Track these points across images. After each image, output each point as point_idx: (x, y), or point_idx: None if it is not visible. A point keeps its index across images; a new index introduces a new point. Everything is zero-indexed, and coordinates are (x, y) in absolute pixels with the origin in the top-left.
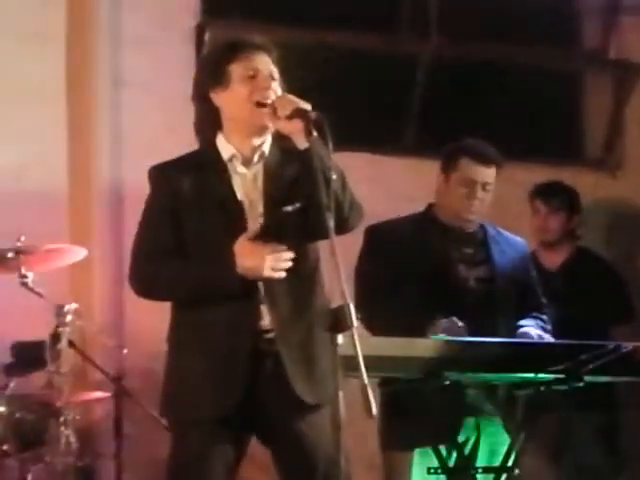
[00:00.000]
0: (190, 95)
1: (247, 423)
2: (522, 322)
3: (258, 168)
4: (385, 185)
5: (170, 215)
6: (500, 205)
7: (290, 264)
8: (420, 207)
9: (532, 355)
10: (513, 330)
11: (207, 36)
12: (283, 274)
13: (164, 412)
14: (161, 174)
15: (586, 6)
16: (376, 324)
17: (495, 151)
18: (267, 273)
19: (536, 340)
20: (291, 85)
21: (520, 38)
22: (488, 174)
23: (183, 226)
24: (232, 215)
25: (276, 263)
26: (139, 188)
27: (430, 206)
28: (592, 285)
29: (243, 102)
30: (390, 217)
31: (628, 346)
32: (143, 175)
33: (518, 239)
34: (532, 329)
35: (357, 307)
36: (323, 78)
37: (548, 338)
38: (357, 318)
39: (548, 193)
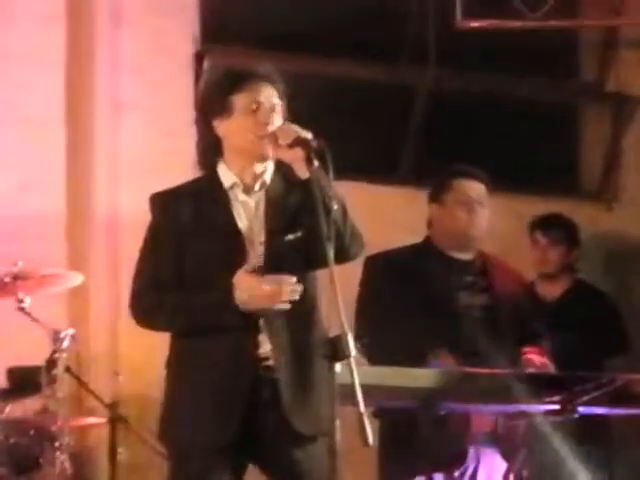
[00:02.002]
0: (188, 121)
1: (244, 450)
2: (526, 349)
3: (260, 196)
4: (382, 215)
5: (171, 243)
6: (497, 236)
7: (294, 297)
8: (417, 237)
9: (528, 385)
10: (514, 358)
11: (206, 63)
12: (287, 305)
13: (162, 438)
14: (163, 202)
15: (584, 39)
16: (378, 354)
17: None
18: (267, 305)
19: (535, 370)
20: (289, 113)
21: (518, 70)
22: (481, 190)
23: (184, 254)
24: (232, 243)
25: (277, 296)
26: (136, 214)
27: (428, 237)
28: (589, 317)
29: (244, 134)
30: (388, 247)
31: (623, 378)
32: (140, 201)
33: (515, 269)
34: (536, 356)
35: (358, 337)
36: (321, 107)
37: (550, 366)
38: (355, 347)
39: (548, 225)
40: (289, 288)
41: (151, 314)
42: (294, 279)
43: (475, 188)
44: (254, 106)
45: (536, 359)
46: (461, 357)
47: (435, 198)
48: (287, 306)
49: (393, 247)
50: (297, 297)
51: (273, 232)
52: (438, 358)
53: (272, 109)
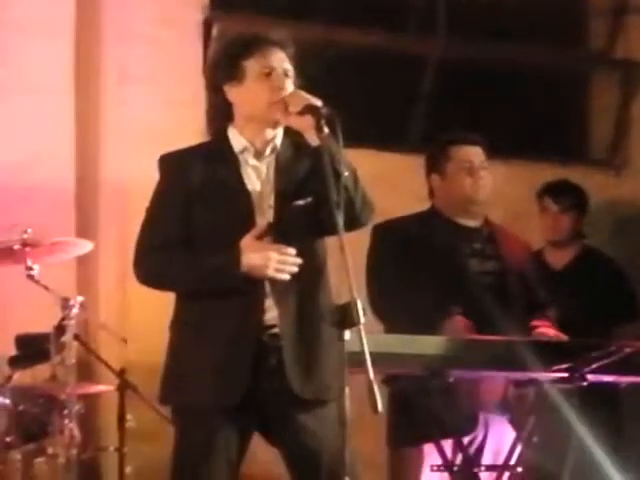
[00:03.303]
0: (196, 90)
1: (249, 417)
2: (536, 322)
3: (270, 160)
4: (391, 182)
5: (179, 204)
6: (505, 204)
7: (296, 269)
8: (427, 205)
9: (537, 353)
10: (523, 324)
11: (214, 31)
12: (287, 277)
13: (164, 398)
14: (171, 163)
15: (593, 6)
16: (392, 322)
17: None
18: (271, 273)
19: (542, 338)
20: (299, 80)
21: (526, 38)
22: (479, 153)
23: (191, 216)
24: (240, 207)
25: (281, 265)
26: (144, 182)
27: (433, 205)
28: (598, 284)
29: (257, 99)
30: (396, 215)
31: (633, 346)
32: (148, 170)
33: (521, 237)
34: (549, 330)
35: (372, 306)
36: (330, 74)
37: (563, 338)
38: (364, 314)
39: (559, 192)
40: (289, 260)
41: (154, 272)
42: (294, 251)
43: (475, 153)
44: (267, 70)
45: (549, 332)
46: (473, 324)
47: (435, 168)
48: (286, 277)
49: (401, 215)
50: (295, 270)
51: (282, 196)
52: (453, 321)
53: (285, 74)
